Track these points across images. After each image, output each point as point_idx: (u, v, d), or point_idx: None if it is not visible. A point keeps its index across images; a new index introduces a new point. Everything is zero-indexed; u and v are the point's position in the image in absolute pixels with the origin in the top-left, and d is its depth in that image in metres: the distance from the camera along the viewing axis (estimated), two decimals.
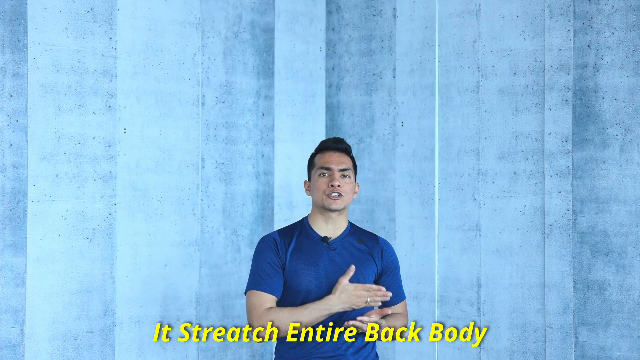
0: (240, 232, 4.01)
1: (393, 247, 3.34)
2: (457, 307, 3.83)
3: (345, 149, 3.07)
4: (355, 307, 2.84)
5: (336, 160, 3.01)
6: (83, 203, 3.44)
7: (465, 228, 3.81)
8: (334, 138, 3.09)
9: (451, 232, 3.86)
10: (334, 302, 2.84)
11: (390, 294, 2.86)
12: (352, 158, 3.08)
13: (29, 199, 3.29)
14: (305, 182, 3.10)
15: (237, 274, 3.98)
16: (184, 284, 3.77)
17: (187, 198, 3.80)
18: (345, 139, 4.25)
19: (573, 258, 3.49)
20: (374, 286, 2.84)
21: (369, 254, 3.01)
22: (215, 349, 3.90)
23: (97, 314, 3.47)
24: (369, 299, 2.83)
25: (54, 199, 3.36)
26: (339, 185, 2.96)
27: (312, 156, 3.09)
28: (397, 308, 3.04)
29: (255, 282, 2.92)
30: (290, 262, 2.95)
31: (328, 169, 2.99)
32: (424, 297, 3.95)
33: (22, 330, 3.26)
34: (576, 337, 3.48)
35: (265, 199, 4.12)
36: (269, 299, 2.89)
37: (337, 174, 2.98)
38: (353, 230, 3.06)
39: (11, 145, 3.25)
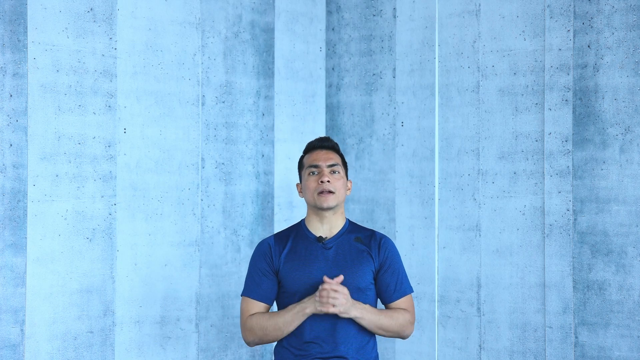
0: (240, 232, 4.01)
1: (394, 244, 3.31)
2: (457, 307, 3.83)
3: (332, 146, 3.07)
4: (322, 309, 2.84)
5: (323, 157, 3.02)
6: (83, 203, 3.44)
7: (465, 228, 3.81)
8: (320, 137, 3.11)
9: (451, 232, 3.86)
10: (308, 302, 2.88)
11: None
12: (341, 155, 3.09)
13: (29, 199, 3.29)
14: (297, 184, 3.11)
15: (237, 274, 3.98)
16: (184, 284, 3.77)
17: (187, 198, 3.80)
18: (345, 139, 4.26)
19: (573, 258, 3.49)
20: (335, 287, 2.83)
21: (366, 252, 3.00)
22: (215, 349, 3.90)
23: (97, 314, 3.47)
24: (332, 297, 2.82)
25: (54, 199, 3.36)
26: (328, 181, 2.96)
27: (301, 158, 3.11)
28: (400, 304, 3.02)
29: (246, 288, 3.03)
30: (284, 265, 2.97)
31: (316, 166, 3.00)
32: (424, 297, 3.95)
33: (22, 330, 3.26)
34: (576, 337, 3.48)
35: (265, 199, 4.12)
36: (257, 306, 2.99)
37: (326, 170, 2.99)
38: (351, 228, 3.06)
39: (11, 145, 3.25)
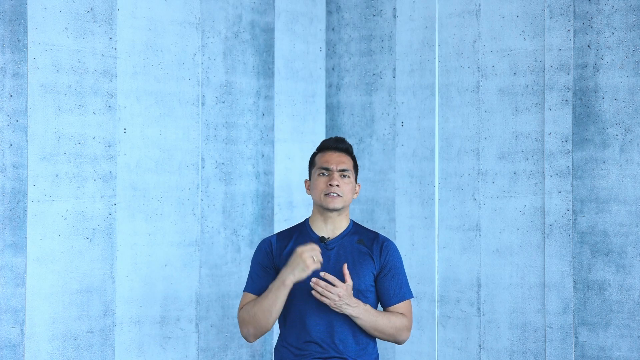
0: (240, 232, 4.01)
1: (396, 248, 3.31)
2: (457, 307, 3.83)
3: (346, 149, 3.07)
4: (303, 271, 2.79)
5: (336, 160, 3.01)
6: (83, 203, 3.44)
7: (465, 228, 3.81)
8: (335, 138, 3.09)
9: (451, 232, 3.86)
10: (285, 272, 2.83)
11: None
12: (354, 158, 3.08)
13: (29, 199, 3.29)
14: (305, 181, 3.11)
15: (237, 274, 3.98)
16: (184, 284, 3.77)
17: (187, 198, 3.80)
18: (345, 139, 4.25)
19: (573, 258, 3.49)
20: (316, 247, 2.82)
21: (368, 254, 3.00)
22: (215, 349, 3.90)
23: (97, 314, 3.47)
24: (309, 255, 2.78)
25: (54, 199, 3.36)
26: (337, 185, 2.96)
27: (313, 155, 3.11)
28: (398, 308, 3.01)
29: (247, 284, 3.03)
30: (285, 263, 2.96)
31: (327, 169, 3.00)
32: (424, 297, 3.95)
33: (22, 330, 3.26)
34: (576, 337, 3.48)
35: (265, 199, 4.12)
36: (253, 299, 2.98)
37: (336, 174, 2.99)
38: (355, 229, 3.06)
39: (11, 145, 3.25)
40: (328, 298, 2.81)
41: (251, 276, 3.02)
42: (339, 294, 2.81)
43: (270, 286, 2.87)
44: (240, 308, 2.98)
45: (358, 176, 4.17)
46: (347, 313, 2.86)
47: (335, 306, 2.84)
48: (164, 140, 3.72)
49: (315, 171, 3.03)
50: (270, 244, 3.02)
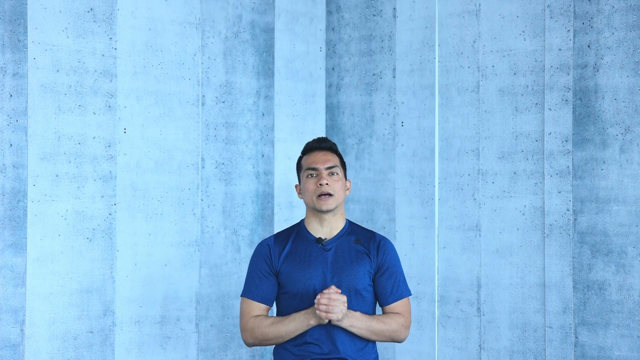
0: (240, 232, 4.01)
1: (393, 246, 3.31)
2: (457, 307, 3.83)
3: (330, 147, 3.06)
4: (322, 318, 2.84)
5: (322, 159, 3.01)
6: (83, 203, 3.44)
7: (465, 228, 3.81)
8: (318, 138, 3.09)
9: (451, 232, 3.86)
10: (311, 314, 2.88)
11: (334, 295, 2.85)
12: (339, 155, 3.08)
13: (29, 199, 3.29)
14: (296, 185, 3.11)
15: (237, 274, 3.98)
16: (184, 284, 3.77)
17: (187, 198, 3.80)
18: (345, 139, 4.25)
19: (573, 258, 3.49)
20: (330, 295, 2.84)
21: (365, 254, 3.00)
22: (215, 349, 3.90)
23: (97, 314, 3.47)
24: (324, 309, 2.83)
25: (54, 199, 3.36)
26: (327, 184, 2.96)
27: (299, 159, 3.10)
28: (396, 307, 3.01)
29: (246, 289, 3.02)
30: (284, 266, 2.96)
31: (315, 169, 2.99)
32: (424, 297, 3.95)
33: (22, 330, 3.26)
34: (576, 337, 3.48)
35: (265, 199, 4.12)
36: (257, 307, 2.98)
37: (325, 173, 2.98)
38: (351, 229, 3.05)
39: (11, 145, 3.25)
40: (335, 312, 2.81)
41: (252, 281, 3.00)
42: (343, 302, 2.82)
43: (293, 317, 2.90)
44: (246, 316, 2.97)
45: (357, 176, 4.20)
46: (343, 325, 2.88)
47: (341, 318, 2.84)
48: (164, 140, 3.73)
49: (304, 174, 3.02)
50: (268, 248, 3.01)
